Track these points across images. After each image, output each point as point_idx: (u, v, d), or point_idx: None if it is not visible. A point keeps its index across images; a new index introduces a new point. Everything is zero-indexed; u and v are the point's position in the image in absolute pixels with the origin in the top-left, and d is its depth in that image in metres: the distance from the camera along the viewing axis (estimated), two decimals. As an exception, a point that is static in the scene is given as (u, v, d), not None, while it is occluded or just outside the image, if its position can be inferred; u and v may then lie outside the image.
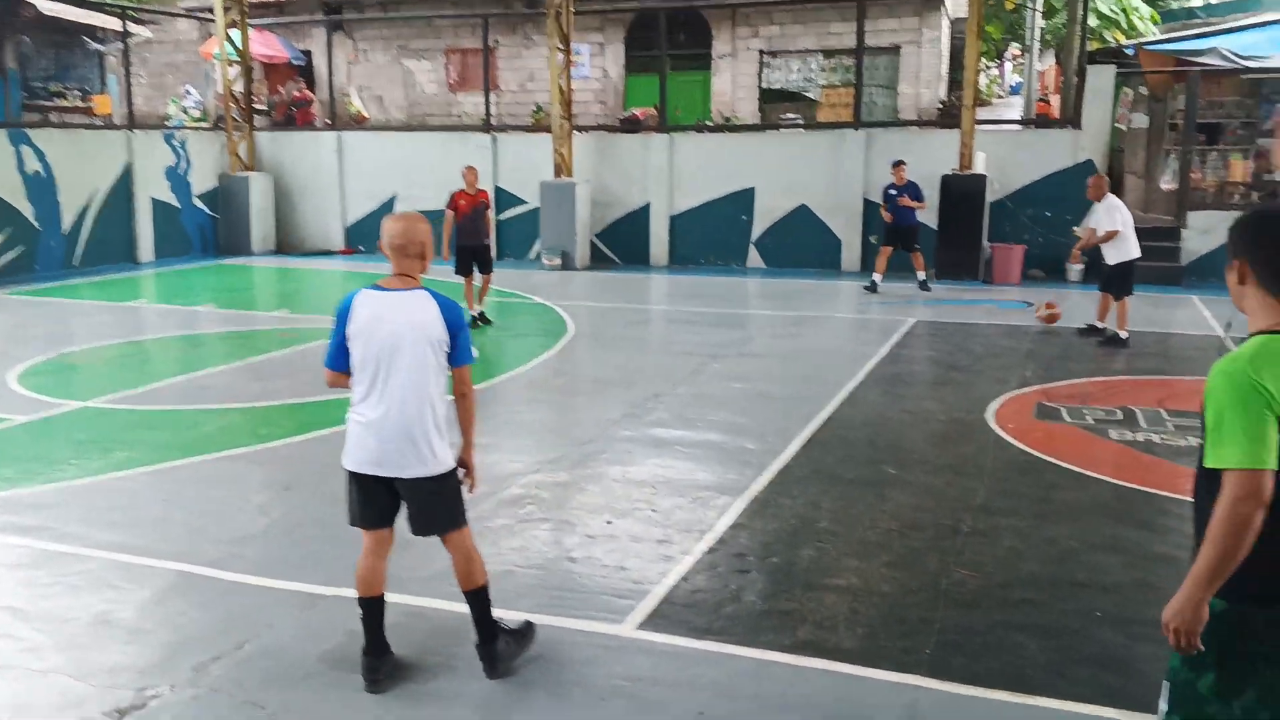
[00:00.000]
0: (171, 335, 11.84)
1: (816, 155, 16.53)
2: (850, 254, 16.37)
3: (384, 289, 3.90)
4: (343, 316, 3.90)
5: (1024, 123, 19.71)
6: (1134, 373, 9.41)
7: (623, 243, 17.82)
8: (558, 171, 17.22)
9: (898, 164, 14.11)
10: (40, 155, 16.12)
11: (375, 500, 3.95)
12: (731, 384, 8.93)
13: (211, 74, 24.00)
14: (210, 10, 20.28)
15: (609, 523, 5.59)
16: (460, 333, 3.91)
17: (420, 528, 4.03)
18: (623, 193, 17.76)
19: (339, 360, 3.93)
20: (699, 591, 4.74)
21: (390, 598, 4.52)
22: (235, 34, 18.91)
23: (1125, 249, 10.56)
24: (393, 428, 3.82)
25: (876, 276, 14.04)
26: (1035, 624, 4.44)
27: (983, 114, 18.32)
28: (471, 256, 11.51)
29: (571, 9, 17.29)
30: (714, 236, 17.30)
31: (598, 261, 17.68)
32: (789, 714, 3.76)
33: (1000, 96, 33.31)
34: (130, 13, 21.14)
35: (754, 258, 17.17)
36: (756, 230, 17.08)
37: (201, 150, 18.98)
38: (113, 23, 21.07)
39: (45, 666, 4.10)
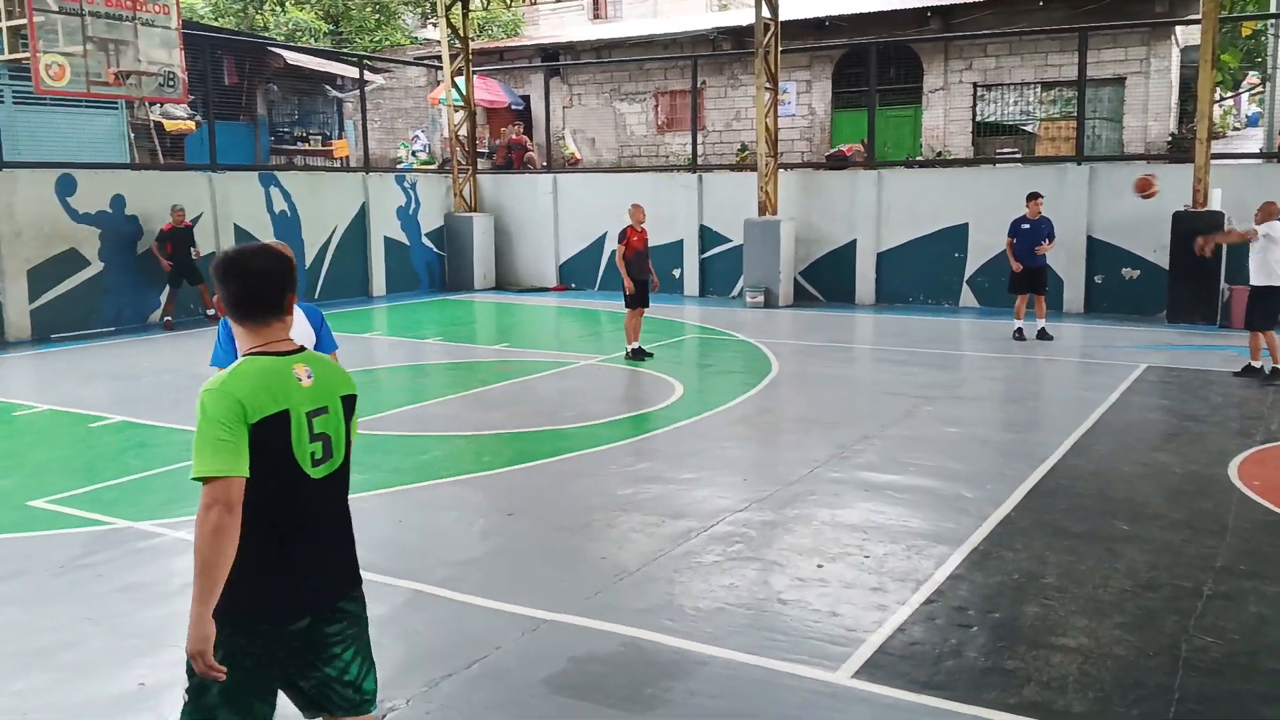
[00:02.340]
0: (401, 365, 12.61)
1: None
2: (1073, 293, 15.64)
3: None
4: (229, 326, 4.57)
5: (1265, 156, 18.31)
6: (1402, 429, 8.53)
7: (827, 280, 17.68)
8: (762, 209, 17.31)
9: (1034, 196, 13.22)
10: (286, 195, 17.60)
11: None
12: (945, 427, 8.68)
13: (438, 119, 25.55)
14: (438, 58, 21.64)
15: (820, 566, 5.55)
16: (323, 328, 4.89)
17: None
18: (828, 229, 17.65)
19: (228, 361, 4.62)
20: (916, 644, 4.63)
21: (605, 627, 4.67)
22: (461, 81, 20.08)
23: (1274, 272, 10.28)
24: None
25: (1019, 323, 13.20)
26: (1290, 700, 4.10)
27: (1217, 147, 17.16)
28: (645, 290, 11.87)
29: (779, 48, 17.42)
30: (923, 274, 16.92)
31: (801, 299, 17.61)
32: (1015, 777, 3.61)
33: (1236, 129, 31.12)
34: (367, 62, 22.81)
35: (967, 296, 16.66)
36: (970, 268, 16.57)
37: (429, 191, 20.22)
38: (351, 71, 22.79)
39: (296, 672, 4.44)
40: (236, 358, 4.57)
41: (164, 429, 8.84)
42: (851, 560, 5.63)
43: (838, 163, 19.56)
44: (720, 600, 5.10)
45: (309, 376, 2.76)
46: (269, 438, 2.61)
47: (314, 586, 2.76)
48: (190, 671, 2.64)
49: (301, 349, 2.83)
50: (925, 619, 4.87)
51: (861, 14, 23.74)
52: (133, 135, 18.15)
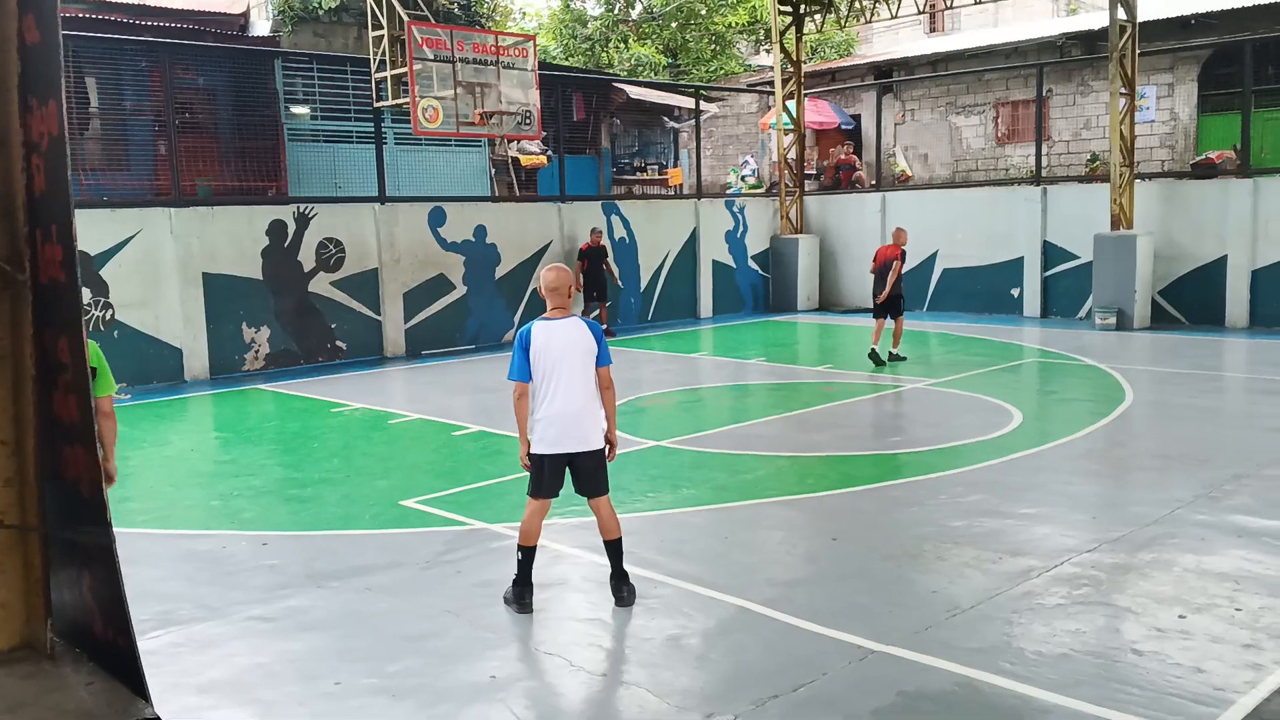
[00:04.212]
0: (725, 385, 12.87)
1: None
2: None
3: (551, 319, 5.32)
4: (526, 341, 5.26)
5: None
6: None
7: (1191, 300, 16.07)
8: (1115, 223, 16.03)
9: None
10: (626, 223, 18.53)
11: (557, 475, 5.29)
12: (1338, 470, 7.60)
13: (767, 144, 25.90)
14: (770, 84, 21.95)
15: (1182, 617, 5.02)
16: (601, 342, 5.34)
17: (587, 490, 5.34)
18: (1192, 245, 16.05)
19: (524, 374, 5.27)
20: (1300, 713, 4.07)
21: (937, 663, 4.50)
22: (791, 104, 20.24)
23: None
24: (573, 415, 5.21)
25: None
26: None
27: None
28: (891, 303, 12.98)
29: (1136, 50, 16.09)
30: (1310, 295, 14.94)
31: (1160, 321, 16.11)
32: None
33: None
34: (702, 92, 23.54)
35: (1365, 320, 14.53)
36: (1370, 288, 14.45)
37: (756, 215, 20.54)
38: (687, 102, 23.63)
39: (629, 679, 4.63)
40: (530, 371, 5.34)
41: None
42: (1220, 612, 5.06)
43: (1205, 171, 17.72)
44: (1065, 646, 4.76)
45: None
46: None
47: None
48: None
49: None
50: (1312, 687, 4.27)
51: (1234, 9, 21.39)
52: (493, 170, 19.85)
